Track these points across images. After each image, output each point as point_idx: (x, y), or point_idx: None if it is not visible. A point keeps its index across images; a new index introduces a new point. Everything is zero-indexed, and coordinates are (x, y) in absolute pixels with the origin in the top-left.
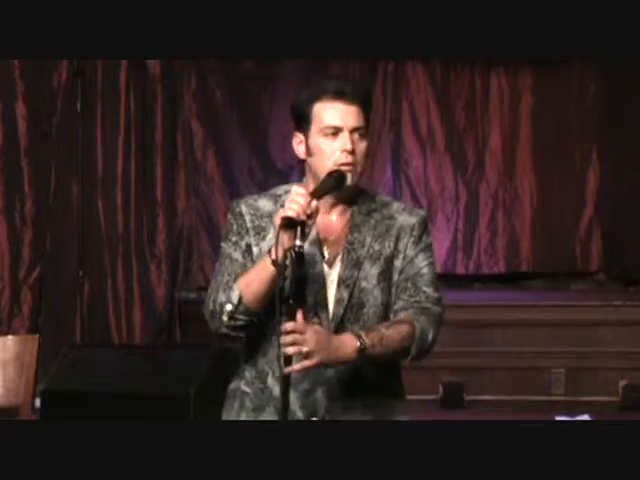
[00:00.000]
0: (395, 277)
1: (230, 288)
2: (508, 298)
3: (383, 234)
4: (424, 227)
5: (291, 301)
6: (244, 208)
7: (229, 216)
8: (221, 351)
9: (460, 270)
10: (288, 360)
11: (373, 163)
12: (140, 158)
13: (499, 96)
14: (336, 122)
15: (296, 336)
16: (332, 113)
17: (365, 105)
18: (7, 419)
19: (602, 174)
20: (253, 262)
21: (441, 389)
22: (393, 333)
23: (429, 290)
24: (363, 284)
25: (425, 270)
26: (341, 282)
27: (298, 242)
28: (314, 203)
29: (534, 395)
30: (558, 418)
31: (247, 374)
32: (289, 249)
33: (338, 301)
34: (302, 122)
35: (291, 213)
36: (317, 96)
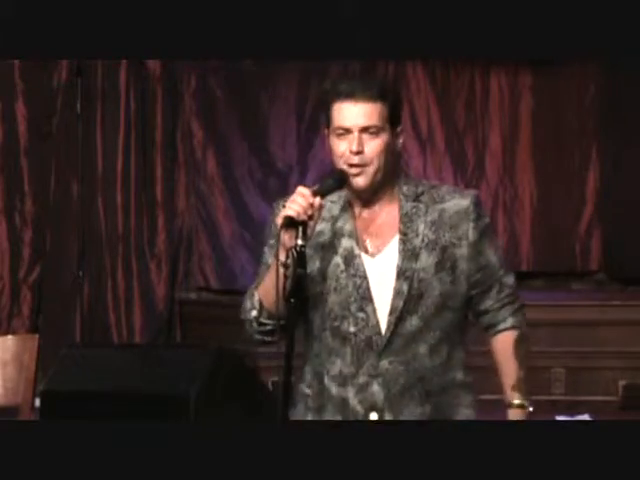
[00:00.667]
0: (463, 267)
1: (252, 295)
2: None
3: (437, 221)
4: (480, 207)
5: (292, 300)
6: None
7: (269, 218)
8: (221, 351)
9: None
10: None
11: None
12: (140, 158)
13: (499, 96)
14: (344, 123)
15: None
16: (342, 114)
17: (382, 100)
18: (7, 419)
19: (602, 174)
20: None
21: None
22: (524, 361)
23: (508, 279)
24: (422, 275)
25: (495, 258)
26: (400, 274)
27: (299, 242)
28: (317, 201)
29: (534, 395)
30: (558, 418)
31: (307, 376)
32: (291, 249)
33: (398, 293)
34: (326, 122)
35: (291, 213)
36: (332, 97)
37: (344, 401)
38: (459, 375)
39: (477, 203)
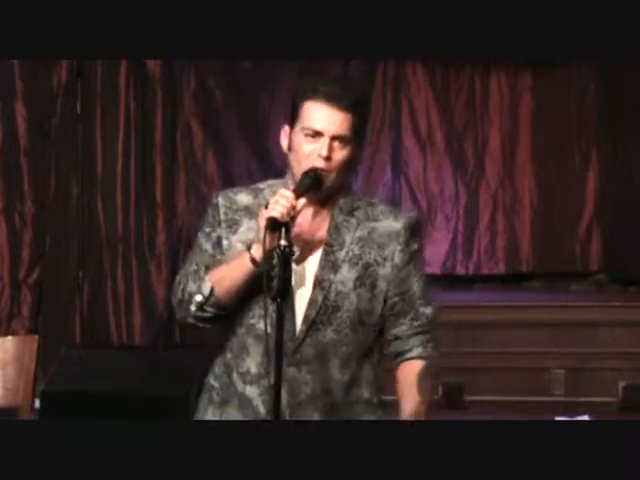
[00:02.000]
0: (382, 287)
1: (201, 279)
2: (508, 299)
3: (365, 238)
4: (410, 232)
5: (279, 300)
6: (221, 200)
7: (208, 207)
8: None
9: (460, 271)
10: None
11: (372, 164)
12: (140, 158)
13: (499, 97)
14: (318, 126)
15: None
16: (316, 116)
17: (356, 112)
18: (7, 420)
19: (602, 174)
20: (222, 255)
21: (441, 390)
22: (426, 394)
23: (427, 310)
24: (339, 287)
25: (417, 286)
26: (317, 283)
27: (283, 242)
28: (300, 203)
29: (534, 396)
30: (558, 418)
31: (216, 369)
32: (275, 249)
33: (311, 302)
34: (292, 116)
35: (275, 214)
36: (309, 95)
37: (248, 400)
38: (365, 392)
39: (410, 227)
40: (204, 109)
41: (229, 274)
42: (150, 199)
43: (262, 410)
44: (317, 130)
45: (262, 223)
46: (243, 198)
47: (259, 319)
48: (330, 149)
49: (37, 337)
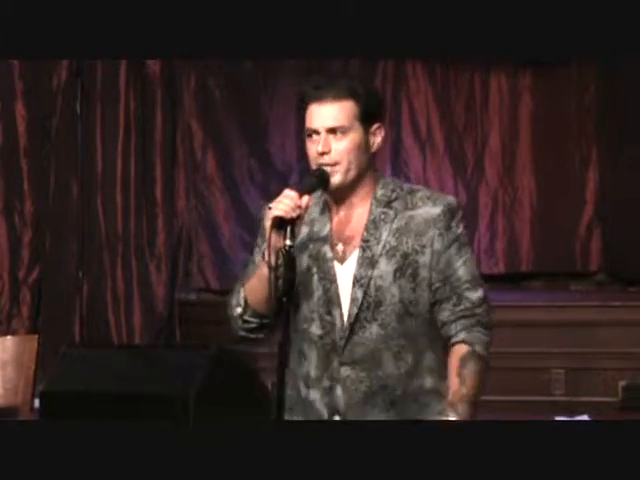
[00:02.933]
0: (424, 274)
1: (238, 292)
2: (508, 298)
3: (402, 228)
4: (451, 216)
5: (284, 299)
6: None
7: (260, 219)
8: (221, 352)
9: None
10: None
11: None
12: (140, 158)
13: (499, 96)
14: (312, 124)
15: None
16: (311, 116)
17: (348, 98)
18: (6, 419)
19: (602, 174)
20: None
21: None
22: (468, 378)
23: (471, 294)
24: (379, 282)
25: (462, 270)
26: (355, 281)
27: (288, 242)
28: (304, 200)
29: (534, 395)
30: (558, 418)
31: (289, 378)
32: (280, 249)
33: (353, 300)
34: (303, 128)
35: (279, 212)
36: (304, 102)
37: (311, 403)
38: (428, 382)
39: (449, 211)
40: (204, 109)
41: (256, 282)
42: (150, 199)
43: (325, 412)
44: (313, 129)
45: (267, 224)
46: None
47: (310, 323)
48: (326, 144)
49: (37, 337)
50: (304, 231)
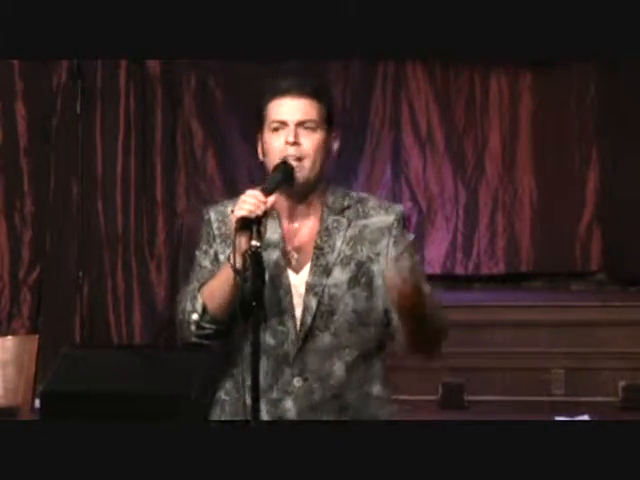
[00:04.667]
0: (379, 282)
1: (195, 297)
2: (508, 298)
3: (355, 237)
4: (402, 224)
5: (254, 303)
6: (212, 215)
7: (201, 223)
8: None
9: (460, 271)
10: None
11: (372, 163)
12: (140, 158)
13: (499, 97)
14: (281, 116)
15: None
16: (278, 109)
17: (318, 98)
18: (7, 420)
19: (602, 174)
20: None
21: (441, 390)
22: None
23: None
24: (333, 291)
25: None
26: (309, 289)
27: (254, 242)
28: (271, 199)
29: (534, 395)
30: (558, 418)
31: (226, 383)
32: (246, 251)
33: (306, 309)
34: (259, 123)
35: (243, 212)
36: (269, 96)
37: (256, 414)
38: (376, 389)
39: (401, 219)
40: (204, 109)
41: (217, 287)
42: (150, 199)
43: None
44: (281, 120)
45: (233, 226)
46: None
47: (263, 331)
48: (296, 135)
49: (37, 337)
50: None
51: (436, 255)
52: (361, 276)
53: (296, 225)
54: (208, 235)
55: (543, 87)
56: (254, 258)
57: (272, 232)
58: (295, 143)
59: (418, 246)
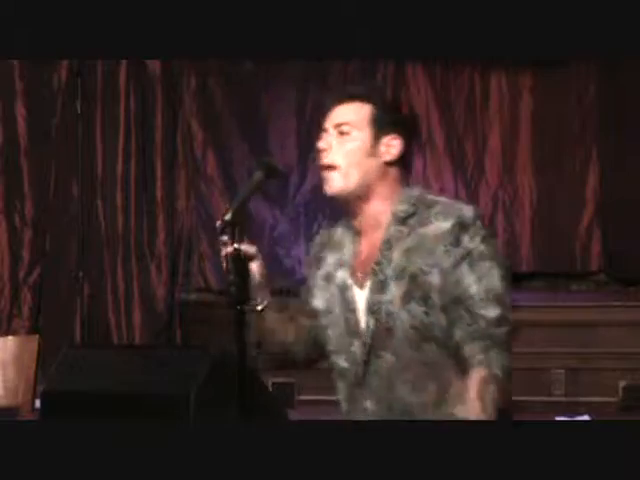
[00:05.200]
0: (435, 297)
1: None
2: None
3: (413, 247)
4: (461, 230)
5: (239, 307)
6: (318, 238)
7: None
8: (221, 353)
9: None
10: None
11: None
12: (140, 158)
13: (499, 97)
14: (324, 124)
15: None
16: (326, 118)
17: (365, 100)
18: (7, 419)
19: (602, 175)
20: (310, 297)
21: None
22: (489, 404)
23: (487, 312)
24: (389, 308)
25: (475, 287)
26: (368, 307)
27: (235, 245)
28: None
29: (534, 395)
30: (558, 418)
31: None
32: (227, 255)
33: (367, 328)
34: None
35: (226, 217)
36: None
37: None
38: (459, 410)
39: (459, 225)
40: (204, 109)
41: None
42: (150, 199)
43: None
44: (324, 128)
45: (219, 229)
46: (338, 231)
47: (337, 355)
48: (328, 141)
49: (37, 337)
50: (333, 258)
51: None
52: (416, 290)
53: (367, 239)
54: (309, 262)
55: (543, 87)
56: (237, 261)
57: (347, 251)
58: (324, 150)
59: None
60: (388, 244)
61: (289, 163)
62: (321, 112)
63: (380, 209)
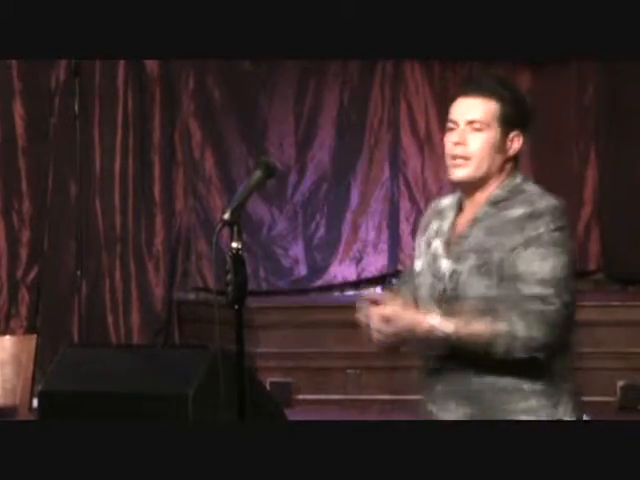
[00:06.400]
0: (498, 273)
1: None
2: None
3: (495, 227)
4: (537, 217)
5: (236, 307)
6: (432, 204)
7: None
8: (220, 352)
9: None
10: None
11: (370, 163)
12: (138, 158)
13: None
14: (452, 116)
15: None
16: (454, 108)
17: (492, 97)
18: (5, 419)
19: (601, 174)
20: (415, 259)
21: None
22: (480, 325)
23: (529, 289)
24: (463, 277)
25: (536, 266)
26: (449, 277)
27: (234, 244)
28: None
29: None
30: None
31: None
32: (226, 253)
33: (444, 293)
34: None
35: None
36: (452, 98)
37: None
38: (518, 381)
39: (536, 212)
40: (203, 109)
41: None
42: (148, 199)
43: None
44: (453, 119)
45: (217, 227)
46: (446, 201)
47: (427, 358)
48: (462, 135)
49: (35, 337)
50: (435, 226)
51: None
52: (488, 264)
53: (465, 214)
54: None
55: (543, 87)
56: (235, 260)
57: (447, 221)
58: (459, 143)
59: None
60: (475, 221)
61: (287, 163)
62: (321, 111)
63: (486, 192)
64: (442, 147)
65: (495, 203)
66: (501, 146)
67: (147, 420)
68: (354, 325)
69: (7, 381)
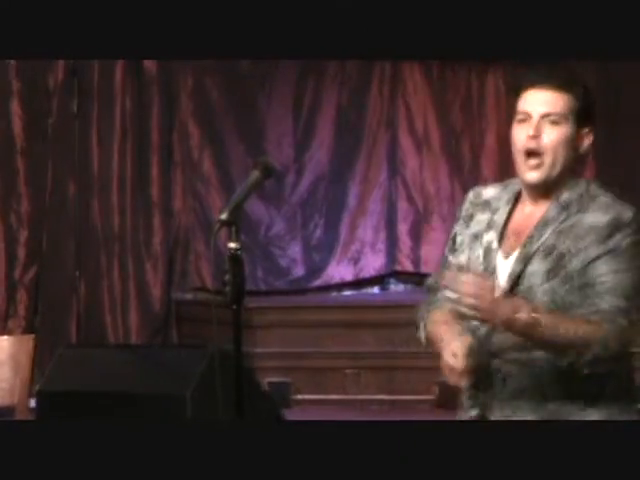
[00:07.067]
0: (575, 279)
1: (422, 317)
2: None
3: (566, 229)
4: (615, 227)
5: (234, 307)
6: (469, 196)
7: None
8: (218, 352)
9: None
10: None
11: (368, 163)
12: (136, 158)
13: (495, 96)
14: (525, 108)
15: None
16: (525, 100)
17: (568, 91)
18: (2, 419)
19: (600, 174)
20: (454, 252)
21: (437, 389)
22: (573, 323)
23: (613, 298)
24: (531, 280)
25: (610, 277)
26: (509, 276)
27: (233, 245)
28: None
29: None
30: None
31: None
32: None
33: (505, 296)
34: (513, 114)
35: (223, 217)
36: (520, 86)
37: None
38: (581, 386)
39: (615, 222)
40: (201, 109)
41: (434, 343)
42: (146, 199)
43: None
44: (526, 111)
45: (215, 228)
46: (489, 191)
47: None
48: (538, 128)
49: (33, 337)
50: (485, 218)
51: (432, 255)
52: (560, 269)
53: (526, 212)
54: (458, 216)
55: None
56: (233, 260)
57: (500, 215)
58: (535, 136)
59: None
60: (545, 223)
61: (285, 163)
62: (319, 111)
63: (551, 192)
64: (441, 147)
65: (565, 206)
66: (574, 143)
67: (145, 420)
68: (352, 325)
69: (5, 381)
